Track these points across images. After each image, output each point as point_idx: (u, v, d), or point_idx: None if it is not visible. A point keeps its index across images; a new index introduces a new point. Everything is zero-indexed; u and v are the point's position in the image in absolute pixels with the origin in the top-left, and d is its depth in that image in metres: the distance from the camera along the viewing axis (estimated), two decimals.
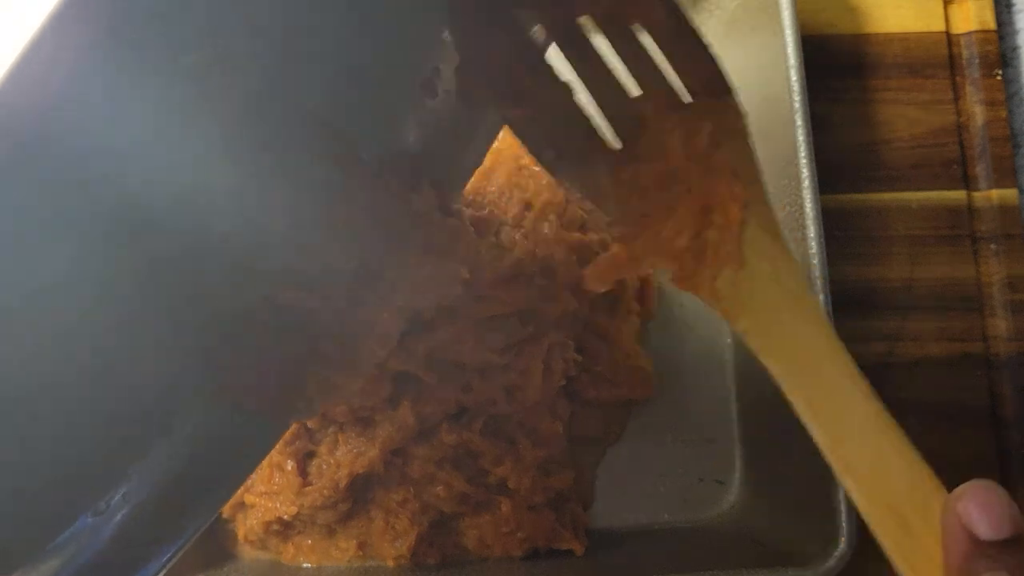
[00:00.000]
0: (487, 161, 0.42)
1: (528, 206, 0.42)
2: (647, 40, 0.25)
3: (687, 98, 0.25)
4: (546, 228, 0.41)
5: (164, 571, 0.22)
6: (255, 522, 0.41)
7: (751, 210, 0.24)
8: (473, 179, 0.42)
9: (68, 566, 0.20)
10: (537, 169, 0.43)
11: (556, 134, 0.24)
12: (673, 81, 0.25)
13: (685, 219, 0.24)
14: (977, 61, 0.49)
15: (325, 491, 0.40)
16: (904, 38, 0.49)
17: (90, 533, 0.20)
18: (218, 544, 0.43)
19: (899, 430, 0.24)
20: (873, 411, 0.24)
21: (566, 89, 0.25)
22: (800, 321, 0.25)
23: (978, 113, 0.48)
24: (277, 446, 0.41)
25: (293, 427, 0.41)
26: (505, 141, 0.44)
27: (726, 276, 0.24)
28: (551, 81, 0.24)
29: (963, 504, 0.22)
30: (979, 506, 0.21)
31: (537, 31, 0.24)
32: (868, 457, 0.24)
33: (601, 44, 0.25)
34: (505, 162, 0.43)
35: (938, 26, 0.49)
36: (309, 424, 0.41)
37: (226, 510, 0.42)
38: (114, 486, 0.20)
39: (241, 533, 0.42)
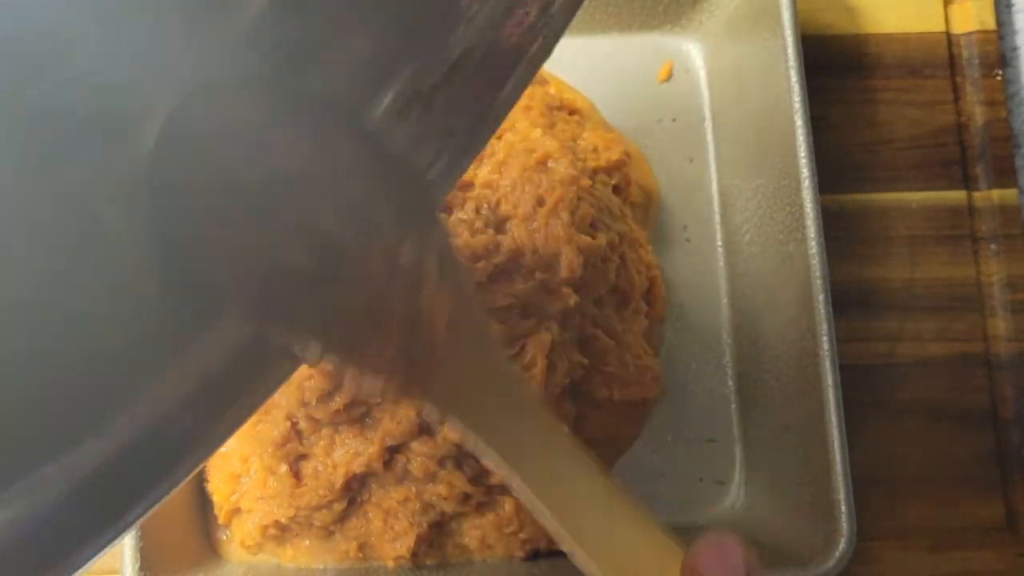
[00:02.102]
0: (500, 153, 0.42)
1: (541, 201, 0.41)
2: None
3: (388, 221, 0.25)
4: (558, 227, 0.41)
5: (157, 505, 0.22)
6: (252, 527, 0.41)
7: (457, 313, 0.25)
8: (486, 171, 0.42)
9: (64, 488, 0.20)
10: (551, 164, 0.42)
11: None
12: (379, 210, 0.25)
13: (391, 334, 0.25)
14: (977, 61, 0.49)
15: (320, 491, 0.40)
16: (904, 38, 0.49)
17: (90, 455, 0.20)
18: (215, 551, 0.43)
19: (627, 495, 0.26)
20: (598, 483, 0.26)
21: None
22: (515, 411, 0.26)
23: (978, 113, 0.48)
24: (269, 451, 0.41)
25: (284, 430, 0.40)
26: (519, 135, 0.43)
27: (440, 380, 0.25)
28: None
29: (699, 557, 0.24)
30: (713, 556, 0.24)
31: None
32: (601, 527, 0.25)
33: None
34: (518, 155, 0.42)
35: (938, 26, 0.50)
36: (300, 427, 0.40)
37: (222, 517, 0.42)
38: (119, 408, 0.20)
39: (238, 539, 0.42)
